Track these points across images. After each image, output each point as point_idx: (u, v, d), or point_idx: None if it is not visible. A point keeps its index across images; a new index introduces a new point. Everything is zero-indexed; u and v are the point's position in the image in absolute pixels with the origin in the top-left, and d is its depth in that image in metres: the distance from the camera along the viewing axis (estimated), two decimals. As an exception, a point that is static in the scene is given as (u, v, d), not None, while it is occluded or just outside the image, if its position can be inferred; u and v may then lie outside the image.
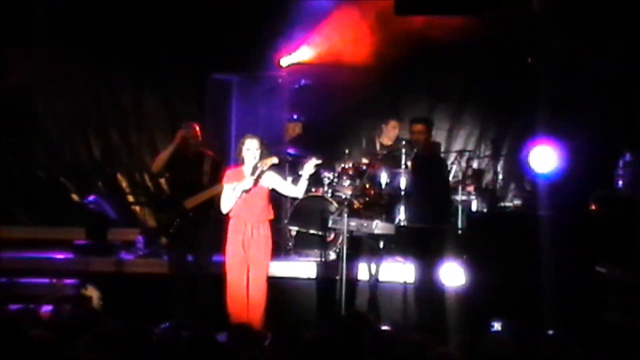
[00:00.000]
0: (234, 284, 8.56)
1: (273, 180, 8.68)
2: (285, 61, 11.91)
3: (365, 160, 10.68)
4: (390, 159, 9.92)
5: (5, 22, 11.95)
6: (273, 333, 7.19)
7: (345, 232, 8.87)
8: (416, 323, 8.89)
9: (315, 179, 10.44)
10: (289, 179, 10.03)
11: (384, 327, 8.03)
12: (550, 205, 9.55)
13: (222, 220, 8.78)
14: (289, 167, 10.92)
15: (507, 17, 10.95)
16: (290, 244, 10.72)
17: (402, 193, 9.18)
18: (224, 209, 8.58)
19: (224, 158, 9.90)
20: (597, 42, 10.56)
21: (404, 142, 9.60)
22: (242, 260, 8.55)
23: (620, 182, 10.18)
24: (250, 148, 8.57)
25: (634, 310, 8.35)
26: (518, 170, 11.55)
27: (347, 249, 8.85)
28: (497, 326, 8.11)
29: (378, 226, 8.99)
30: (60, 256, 10.66)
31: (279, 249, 10.41)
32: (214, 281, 9.01)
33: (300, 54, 11.98)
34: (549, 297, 8.24)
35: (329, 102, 12.12)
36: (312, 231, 10.56)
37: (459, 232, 9.96)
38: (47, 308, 7.96)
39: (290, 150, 11.24)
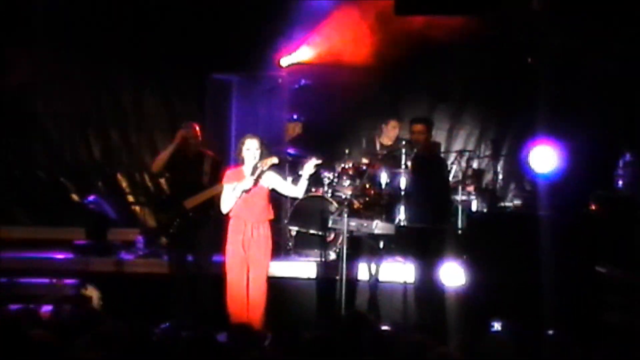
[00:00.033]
0: (234, 284, 8.56)
1: (273, 180, 8.68)
2: (285, 61, 11.91)
3: (365, 160, 10.68)
4: (390, 159, 9.92)
5: (5, 22, 11.95)
6: (273, 333, 7.19)
7: (345, 232, 8.87)
8: (416, 323, 8.89)
9: (315, 179, 10.44)
10: (289, 178, 10.03)
11: (384, 327, 8.03)
12: (550, 205, 9.55)
13: (222, 220, 8.78)
14: (289, 167, 10.92)
15: (507, 17, 10.95)
16: (290, 244, 10.72)
17: (402, 193, 9.18)
18: (224, 209, 8.58)
19: (224, 158, 9.90)
20: (597, 42, 10.56)
21: (404, 142, 9.60)
22: (242, 260, 8.55)
23: (620, 182, 10.18)
24: (250, 148, 8.57)
25: (634, 310, 8.35)
26: (518, 170, 11.55)
27: (347, 249, 8.85)
28: (497, 326, 8.11)
29: (378, 226, 8.99)
30: (60, 256, 10.66)
31: (279, 249, 10.41)
32: (214, 281, 9.01)
33: (300, 54, 11.98)
34: (549, 297, 8.24)
35: (329, 102, 12.12)
36: (312, 231, 10.56)
37: (459, 232, 9.96)
38: (47, 308, 7.96)
39: (290, 150, 11.24)
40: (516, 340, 6.37)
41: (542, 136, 10.30)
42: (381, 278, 9.64)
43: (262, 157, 8.52)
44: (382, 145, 10.80)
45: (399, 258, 9.75)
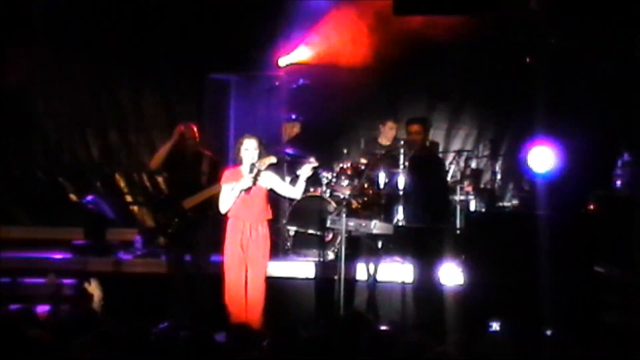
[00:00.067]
0: (233, 283, 8.56)
1: (271, 181, 8.68)
2: (283, 61, 11.91)
3: (363, 160, 10.68)
4: (389, 159, 9.92)
5: (4, 22, 11.95)
6: (271, 333, 7.18)
7: (343, 232, 8.89)
8: (414, 323, 8.88)
9: (313, 179, 10.44)
10: (287, 178, 10.03)
11: (383, 327, 8.03)
12: (549, 205, 9.54)
13: (220, 220, 8.78)
14: (287, 167, 10.91)
15: (506, 17, 10.95)
16: (288, 243, 10.72)
17: (401, 193, 9.19)
18: (223, 209, 8.58)
19: (223, 158, 9.90)
20: (595, 42, 10.56)
21: (402, 142, 9.61)
22: (240, 260, 8.55)
23: (619, 182, 10.18)
24: (249, 148, 8.56)
25: (632, 310, 8.35)
26: (516, 170, 11.53)
27: (345, 249, 8.87)
28: (495, 326, 8.11)
29: (376, 226, 8.99)
30: (58, 256, 10.66)
31: (278, 249, 10.40)
32: (212, 281, 9.01)
33: (298, 54, 11.98)
34: (547, 297, 8.24)
35: (327, 102, 12.11)
36: (310, 231, 10.56)
37: (457, 232, 9.96)
38: (44, 308, 7.96)
39: (289, 150, 11.24)
40: (515, 340, 6.37)
41: (541, 136, 10.30)
42: (379, 278, 9.64)
43: (261, 157, 8.52)
44: (380, 145, 10.80)
45: (397, 258, 9.75)
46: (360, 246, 9.55)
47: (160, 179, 12.22)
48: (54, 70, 12.45)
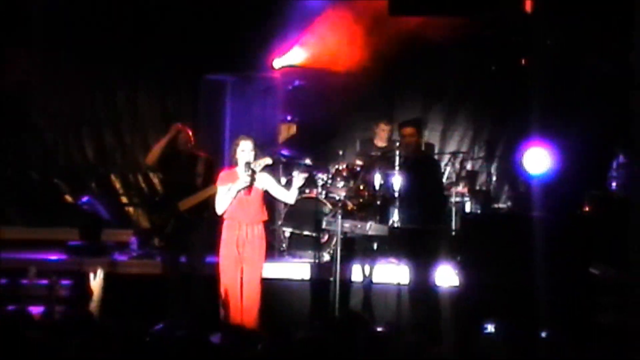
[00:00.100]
0: (228, 284, 8.54)
1: (267, 182, 8.66)
2: (278, 63, 11.90)
3: (359, 162, 10.68)
4: (384, 160, 9.92)
5: (1, 22, 11.93)
6: (267, 334, 7.18)
7: (339, 233, 8.88)
8: (410, 324, 8.89)
9: (309, 181, 10.46)
10: (283, 180, 10.03)
11: (378, 329, 8.03)
12: (544, 206, 9.57)
13: (215, 222, 8.77)
14: (283, 168, 10.92)
15: (501, 18, 10.96)
16: (284, 245, 10.71)
17: (396, 194, 9.19)
18: (219, 210, 8.57)
19: (218, 159, 9.90)
20: (591, 43, 10.58)
21: (397, 144, 9.61)
22: (236, 261, 8.54)
23: (614, 184, 10.20)
24: (245, 149, 8.55)
25: (627, 311, 8.35)
26: (512, 172, 11.55)
27: (341, 250, 8.86)
28: (490, 327, 8.11)
29: (372, 227, 9.00)
30: (54, 257, 10.64)
31: (273, 251, 10.40)
32: (207, 282, 9.00)
33: (293, 55, 11.97)
34: (543, 298, 8.26)
35: (323, 103, 12.12)
36: (306, 232, 10.55)
37: (453, 233, 9.97)
38: (40, 309, 7.94)
39: (284, 151, 11.23)
40: (510, 341, 6.38)
41: (536, 137, 10.32)
42: (375, 279, 9.64)
43: (256, 158, 8.51)
44: (376, 147, 10.80)
45: (392, 259, 9.75)
46: (356, 247, 9.55)
47: (155, 180, 12.21)
48: (50, 70, 12.43)
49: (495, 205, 11.27)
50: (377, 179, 9.73)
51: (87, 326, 5.61)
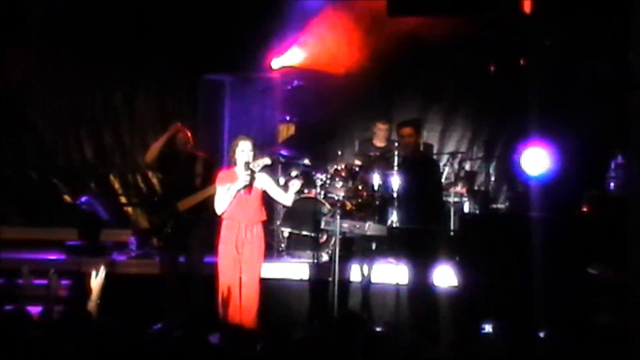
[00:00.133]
0: (227, 284, 8.55)
1: (265, 182, 8.67)
2: (276, 63, 11.90)
3: (357, 162, 10.67)
4: (383, 160, 9.92)
5: (1, 22, 11.93)
6: (265, 334, 7.19)
7: (337, 233, 8.89)
8: (409, 324, 8.89)
9: (307, 181, 10.46)
10: (282, 180, 10.03)
11: (377, 329, 8.03)
12: (543, 206, 9.56)
13: (213, 222, 8.78)
14: (282, 168, 10.92)
15: (500, 18, 10.95)
16: (282, 245, 10.71)
17: (395, 194, 9.19)
18: (219, 210, 8.57)
19: (217, 159, 9.90)
20: (589, 43, 10.58)
21: (396, 144, 9.61)
22: (235, 261, 8.54)
23: (612, 184, 10.20)
24: (244, 150, 8.55)
25: (626, 311, 8.36)
26: (510, 172, 11.54)
27: (339, 251, 8.87)
28: (489, 327, 8.12)
29: (370, 227, 9.00)
30: (52, 257, 10.64)
31: (272, 251, 10.40)
32: (206, 282, 9.00)
33: (291, 56, 11.97)
34: (541, 298, 8.26)
35: (321, 103, 12.11)
36: (304, 232, 10.55)
37: (451, 233, 9.97)
38: (38, 309, 7.93)
39: (283, 152, 11.23)
40: (508, 341, 6.38)
41: (535, 138, 10.32)
42: (374, 279, 9.64)
43: (255, 158, 8.52)
44: (374, 147, 10.80)
45: (391, 259, 9.76)
46: (355, 248, 9.55)
47: (154, 180, 12.22)
48: (49, 70, 12.43)
49: (494, 206, 11.27)
50: (376, 179, 9.72)
51: (86, 326, 5.61)
